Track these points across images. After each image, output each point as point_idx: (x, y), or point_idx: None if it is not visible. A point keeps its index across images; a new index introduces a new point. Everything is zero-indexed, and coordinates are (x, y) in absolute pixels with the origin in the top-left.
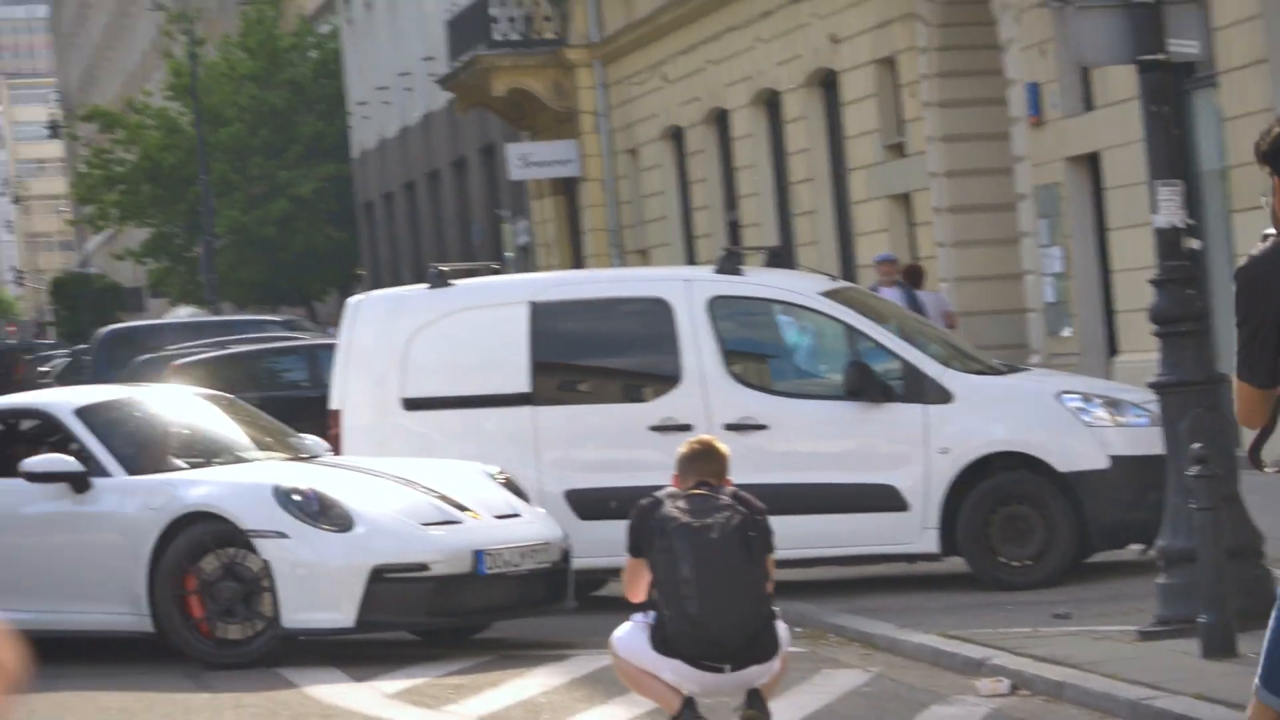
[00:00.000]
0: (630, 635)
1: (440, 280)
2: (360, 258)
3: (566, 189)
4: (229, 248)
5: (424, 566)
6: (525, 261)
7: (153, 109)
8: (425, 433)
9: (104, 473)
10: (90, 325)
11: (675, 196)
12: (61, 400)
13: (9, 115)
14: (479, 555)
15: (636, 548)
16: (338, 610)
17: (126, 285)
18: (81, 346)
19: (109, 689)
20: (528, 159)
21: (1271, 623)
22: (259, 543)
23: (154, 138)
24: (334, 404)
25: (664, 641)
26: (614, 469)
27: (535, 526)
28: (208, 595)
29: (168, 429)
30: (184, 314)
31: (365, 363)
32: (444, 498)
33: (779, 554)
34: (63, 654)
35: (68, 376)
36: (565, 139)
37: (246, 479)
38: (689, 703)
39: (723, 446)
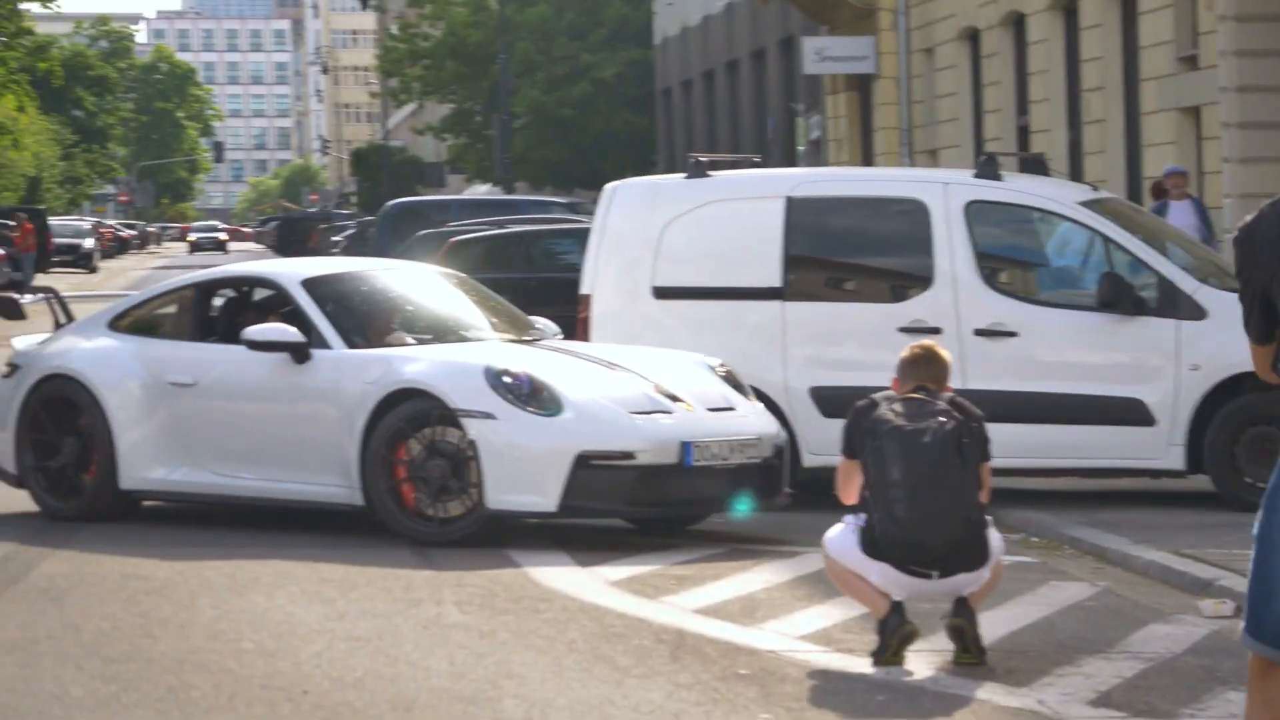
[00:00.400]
0: (841, 536)
1: (698, 170)
2: (657, 144)
3: (861, 85)
4: (527, 127)
5: (629, 455)
6: (817, 156)
7: None
8: (672, 322)
9: (324, 344)
10: (389, 198)
11: (968, 98)
12: (290, 270)
13: None
14: (686, 446)
15: (850, 448)
16: (541, 494)
17: (427, 160)
18: (369, 218)
19: (333, 560)
20: (824, 53)
21: (1251, 567)
22: (467, 422)
23: (460, 14)
24: (584, 289)
25: (872, 544)
26: (860, 368)
27: (749, 420)
28: (416, 472)
29: (393, 305)
30: (481, 191)
31: (618, 249)
32: (658, 387)
33: (1022, 462)
34: (287, 523)
35: (353, 247)
36: (863, 35)
37: (460, 358)
38: (896, 606)
39: (944, 352)
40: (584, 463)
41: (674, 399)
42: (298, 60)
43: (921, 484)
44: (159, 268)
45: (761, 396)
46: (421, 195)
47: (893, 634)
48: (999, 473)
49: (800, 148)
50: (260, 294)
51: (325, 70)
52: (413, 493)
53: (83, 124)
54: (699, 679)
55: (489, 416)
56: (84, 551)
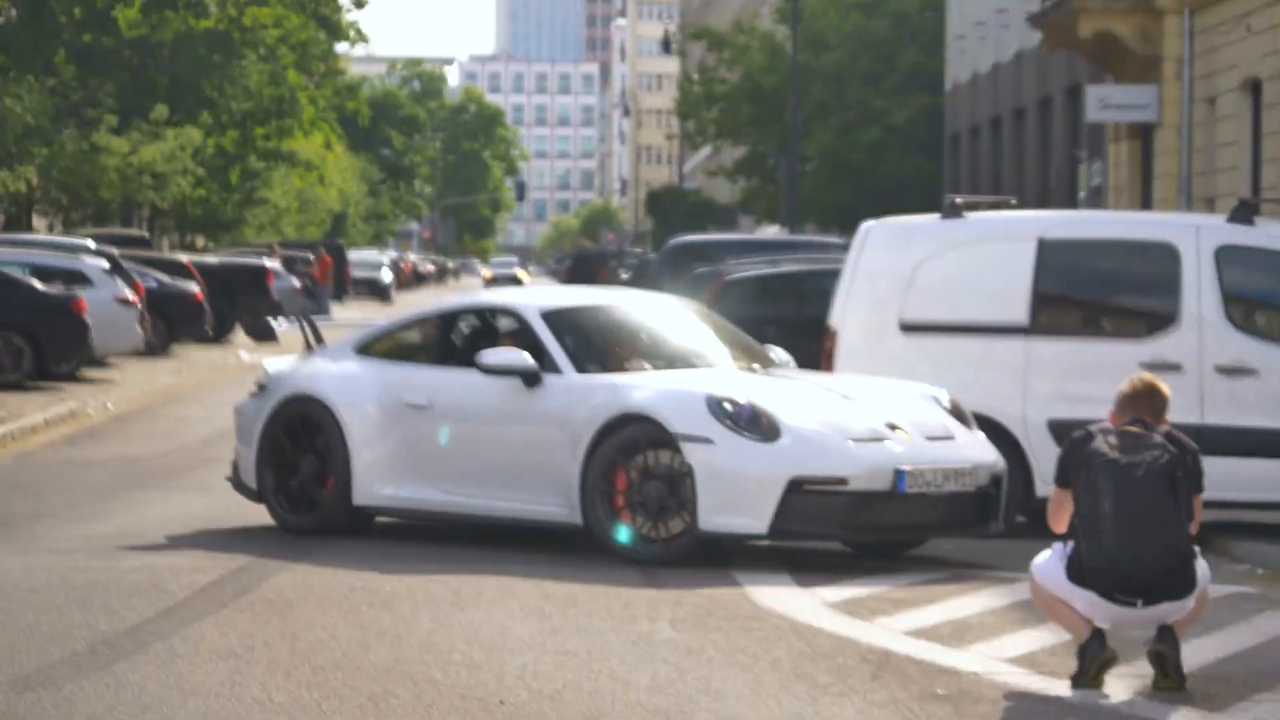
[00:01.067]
0: (1048, 563)
1: (954, 211)
2: (945, 189)
3: (1143, 134)
4: (818, 170)
5: (843, 481)
6: (1097, 203)
7: (760, 31)
8: (917, 357)
9: (555, 369)
10: None
11: (1247, 147)
12: (530, 301)
13: (634, 30)
14: (900, 474)
15: (1064, 478)
16: (753, 516)
17: (720, 202)
18: (651, 256)
19: (559, 578)
20: (1107, 101)
21: None
22: (686, 446)
23: (757, 59)
24: (832, 322)
25: (1079, 572)
26: (1100, 402)
27: (967, 450)
28: (634, 493)
29: (629, 334)
30: (770, 232)
31: (869, 285)
32: (879, 415)
33: (1254, 496)
34: (521, 541)
35: (634, 281)
36: (1146, 84)
37: (683, 385)
38: (1097, 633)
39: (1164, 387)
40: (796, 487)
41: (893, 427)
42: (603, 103)
43: (1132, 517)
44: None
45: (998, 428)
46: (717, 235)
47: (1092, 659)
48: (1230, 506)
49: (1081, 194)
50: (505, 324)
51: (627, 113)
52: (630, 515)
53: (390, 162)
54: (895, 698)
55: (708, 441)
56: (317, 565)
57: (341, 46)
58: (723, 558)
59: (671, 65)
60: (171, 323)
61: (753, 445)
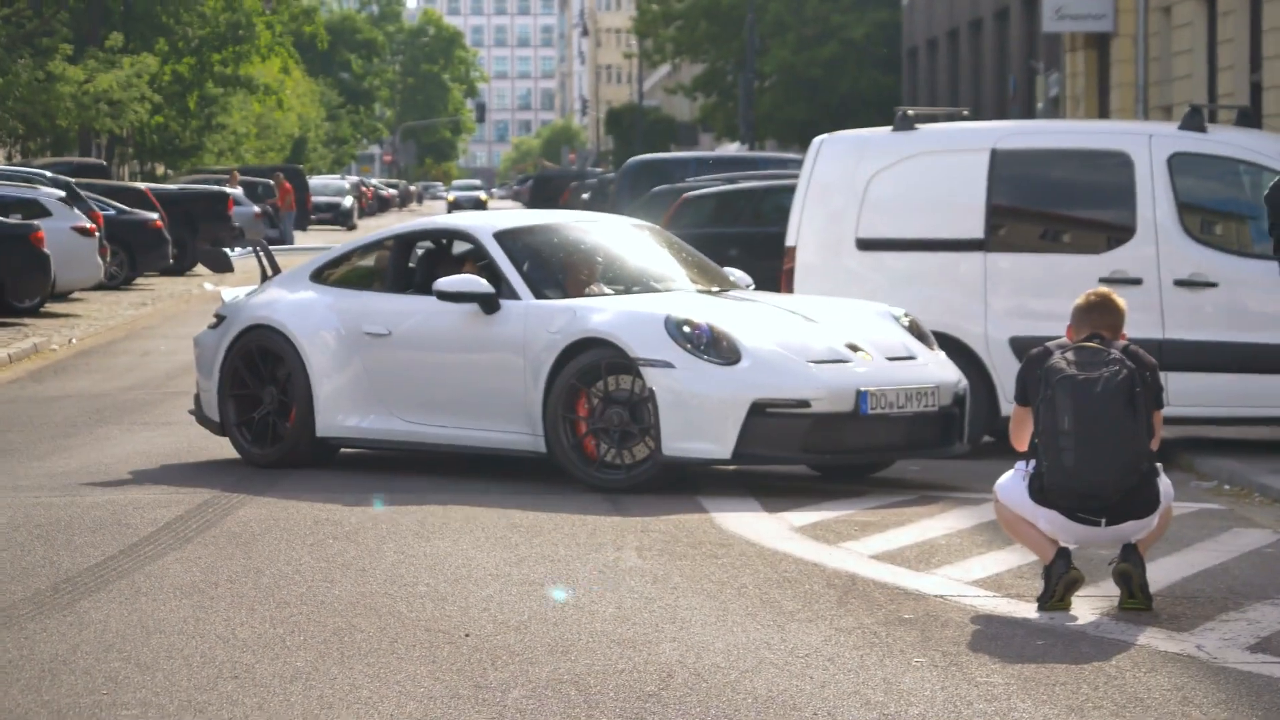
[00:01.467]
0: (1011, 483)
1: (905, 123)
2: (904, 103)
3: (1099, 44)
4: (776, 87)
5: (805, 403)
6: (1054, 113)
7: None
8: (874, 273)
9: (514, 295)
10: None
11: (1203, 55)
12: (484, 223)
13: None
14: (862, 395)
15: (1023, 396)
16: (716, 441)
17: (680, 120)
18: (610, 175)
19: (525, 507)
20: (1063, 11)
21: None
22: (646, 371)
23: None
24: (789, 240)
25: (1041, 491)
26: (1060, 319)
27: (928, 370)
28: (596, 419)
29: (586, 257)
30: (730, 149)
31: (823, 201)
32: (838, 336)
33: (1217, 411)
34: (491, 470)
35: (592, 203)
36: None
37: (642, 308)
38: (1062, 553)
39: (1120, 300)
40: (758, 410)
41: (854, 348)
42: (563, 23)
43: (1092, 434)
44: None
45: (961, 346)
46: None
47: (1058, 580)
48: (1195, 422)
49: (1039, 105)
50: (460, 247)
51: (586, 33)
52: (594, 441)
53: (349, 86)
54: (861, 623)
55: (668, 365)
56: (281, 498)
57: None
58: (689, 484)
59: None
60: (133, 252)
61: (713, 368)
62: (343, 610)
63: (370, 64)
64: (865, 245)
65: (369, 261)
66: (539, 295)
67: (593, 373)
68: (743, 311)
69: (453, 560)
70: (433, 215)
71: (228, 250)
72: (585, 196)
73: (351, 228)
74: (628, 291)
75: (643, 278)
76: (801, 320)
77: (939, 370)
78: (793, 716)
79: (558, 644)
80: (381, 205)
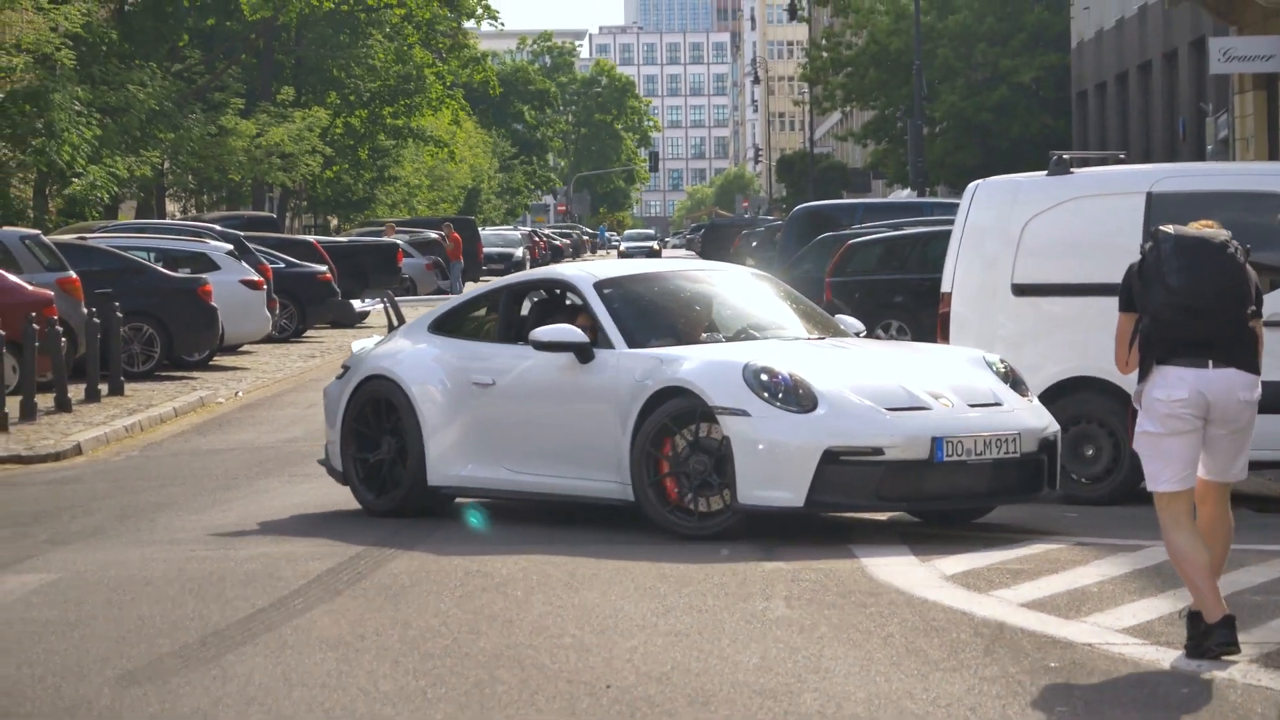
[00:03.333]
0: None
1: (1060, 167)
2: (1074, 147)
3: (1268, 84)
4: (946, 132)
5: (878, 450)
6: (1224, 155)
7: None
8: (1029, 319)
9: (608, 344)
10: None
11: None
12: (585, 273)
13: None
14: (937, 442)
15: (1127, 301)
16: (789, 489)
17: (851, 166)
18: (777, 223)
19: (675, 558)
20: (1230, 53)
21: None
22: (723, 419)
23: (883, 23)
24: (944, 286)
25: (1148, 343)
26: None
27: (1013, 416)
28: (678, 468)
29: (686, 306)
30: (901, 195)
31: (978, 246)
32: (922, 383)
33: None
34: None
35: (759, 250)
36: (1270, 34)
37: (726, 357)
38: (1227, 620)
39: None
40: (831, 458)
41: (935, 395)
42: (735, 72)
43: (1196, 259)
44: None
45: (1116, 391)
46: (844, 200)
47: (1217, 648)
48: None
49: (1209, 147)
50: (572, 297)
51: (758, 81)
52: (674, 487)
53: (522, 137)
54: (1006, 672)
55: (744, 414)
56: (434, 550)
57: (471, 23)
58: (842, 533)
59: (800, 31)
60: (302, 305)
61: (788, 416)
62: (485, 662)
63: (543, 114)
64: (1020, 290)
65: (482, 312)
66: (634, 344)
67: (676, 422)
68: (829, 359)
69: (600, 611)
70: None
71: (356, 302)
72: (754, 244)
73: None
74: (735, 340)
75: (748, 325)
76: (887, 368)
77: (1026, 416)
78: None
79: (698, 695)
80: (555, 255)
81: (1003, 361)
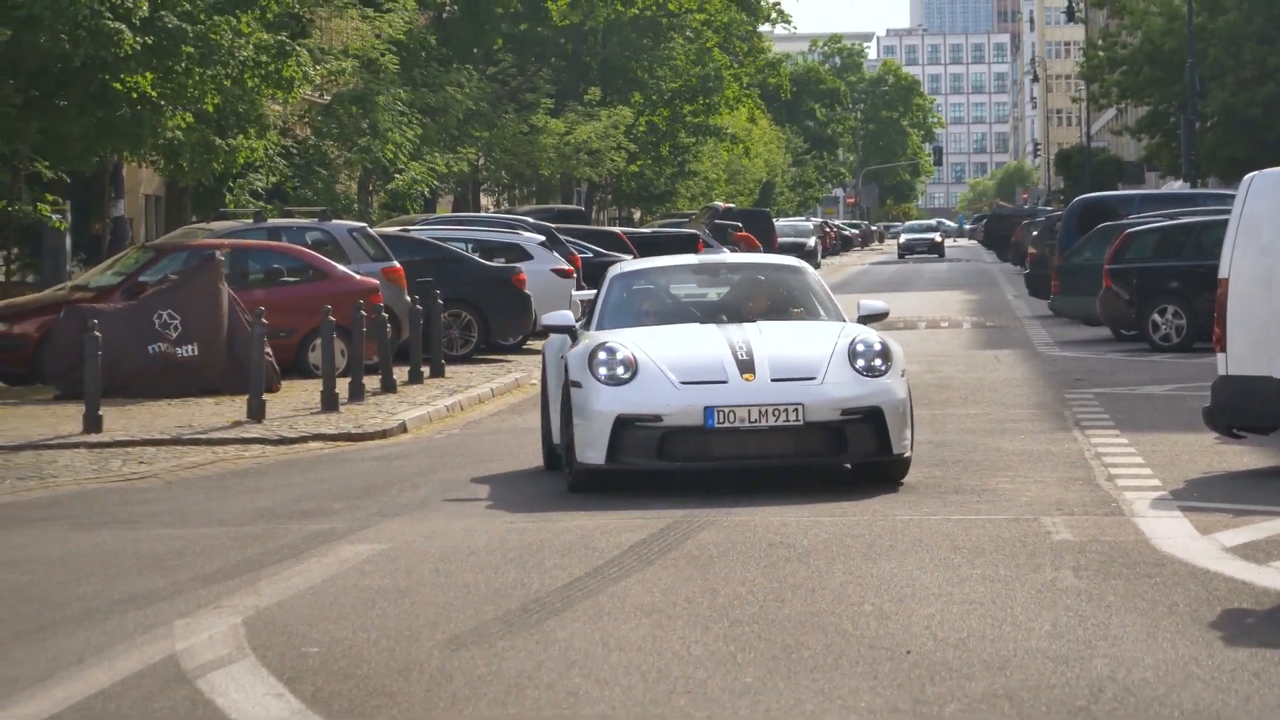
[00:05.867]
0: None
1: None
2: None
3: None
4: (1217, 127)
5: (657, 418)
6: None
7: None
8: None
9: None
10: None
11: None
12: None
13: (1041, 0)
14: (709, 411)
15: None
16: (596, 449)
17: (1126, 159)
18: (1057, 214)
19: (968, 529)
20: None
21: None
22: (573, 390)
23: (1157, 23)
24: (1221, 273)
25: None
26: None
27: (811, 389)
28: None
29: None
30: (1174, 187)
31: (1254, 235)
32: (747, 360)
33: None
34: (930, 495)
35: (1040, 239)
36: None
37: (588, 343)
38: None
39: None
40: (627, 424)
41: (747, 370)
42: (1015, 70)
43: None
44: (874, 263)
45: None
46: (1121, 191)
47: None
48: None
49: None
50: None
51: (1036, 79)
52: None
53: (814, 133)
54: None
55: (578, 385)
56: (741, 521)
57: (766, 27)
58: (1127, 509)
59: (1077, 32)
60: None
61: (603, 389)
62: (791, 628)
63: (833, 112)
64: None
65: None
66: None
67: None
68: (690, 339)
69: (897, 581)
70: (881, 255)
71: None
72: (1034, 234)
73: (816, 266)
74: (705, 322)
75: (727, 310)
76: (736, 347)
77: (833, 390)
78: None
79: (994, 659)
80: (845, 244)
81: (881, 342)
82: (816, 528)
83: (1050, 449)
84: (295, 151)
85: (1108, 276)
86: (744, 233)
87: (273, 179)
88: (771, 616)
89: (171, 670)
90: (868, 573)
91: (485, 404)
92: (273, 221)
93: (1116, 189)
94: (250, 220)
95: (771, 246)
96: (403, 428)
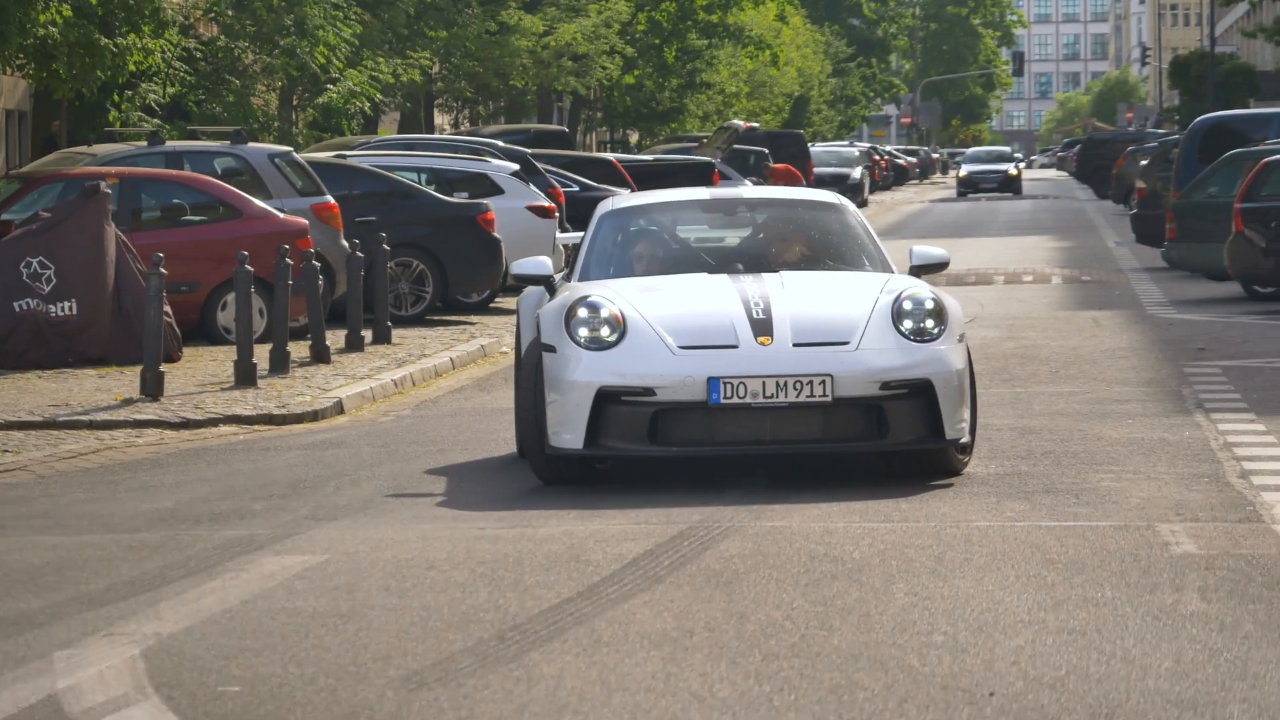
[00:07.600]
0: None
1: None
2: None
3: None
4: None
5: (649, 391)
6: None
7: None
8: None
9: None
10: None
11: None
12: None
13: None
14: (713, 383)
15: None
16: (572, 430)
17: (1261, 69)
18: (1174, 138)
19: (1064, 537)
20: None
21: None
22: (545, 355)
23: None
24: None
25: None
26: None
27: (843, 356)
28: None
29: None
30: None
31: None
32: (764, 320)
33: None
34: (1012, 497)
35: (1150, 170)
36: None
37: (566, 296)
38: None
39: None
40: (612, 399)
41: (763, 333)
42: None
43: None
44: (936, 200)
45: None
46: (1253, 109)
47: None
48: None
49: None
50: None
51: None
52: None
53: (860, 35)
54: None
55: (552, 350)
56: (768, 530)
57: None
58: (1265, 511)
59: None
60: None
61: (583, 354)
62: (841, 664)
63: (885, 7)
64: None
65: None
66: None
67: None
68: (697, 292)
69: (975, 603)
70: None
71: None
72: (1142, 163)
73: (863, 204)
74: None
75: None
76: (751, 303)
77: (872, 357)
78: None
79: (1100, 706)
80: (898, 176)
81: (934, 298)
82: (869, 536)
83: (1166, 437)
84: (200, 55)
85: (1239, 218)
86: (782, 163)
87: (171, 90)
88: (816, 649)
89: (52, 714)
90: (937, 593)
91: (443, 378)
92: (171, 145)
93: (1248, 106)
94: (144, 143)
95: (807, 179)
96: (339, 408)
